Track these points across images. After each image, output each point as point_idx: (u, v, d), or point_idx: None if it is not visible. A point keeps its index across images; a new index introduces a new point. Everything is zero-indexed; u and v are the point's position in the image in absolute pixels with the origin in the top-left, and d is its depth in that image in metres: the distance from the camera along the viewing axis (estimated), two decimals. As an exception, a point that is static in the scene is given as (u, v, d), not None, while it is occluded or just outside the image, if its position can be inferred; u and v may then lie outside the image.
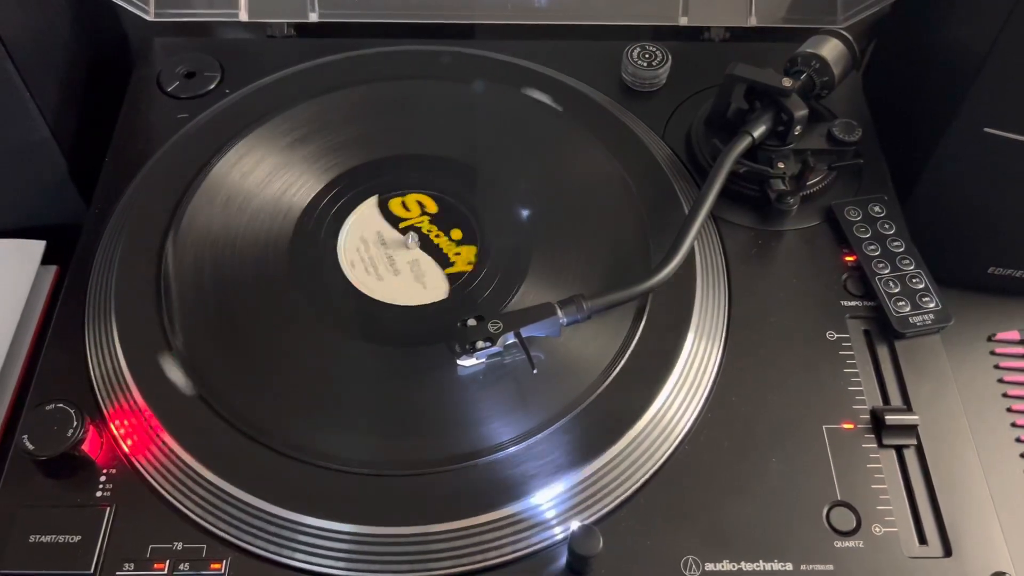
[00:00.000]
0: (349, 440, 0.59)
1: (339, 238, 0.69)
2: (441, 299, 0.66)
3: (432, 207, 0.71)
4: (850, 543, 0.57)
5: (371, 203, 0.71)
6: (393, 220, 0.70)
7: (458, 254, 0.68)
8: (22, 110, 0.71)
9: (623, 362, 0.62)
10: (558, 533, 0.56)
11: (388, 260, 0.68)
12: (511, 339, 0.60)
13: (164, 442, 0.58)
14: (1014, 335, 0.74)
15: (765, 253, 0.70)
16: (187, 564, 0.55)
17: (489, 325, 0.60)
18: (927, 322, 0.65)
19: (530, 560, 0.56)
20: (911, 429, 0.61)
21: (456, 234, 0.69)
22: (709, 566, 0.56)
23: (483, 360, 0.61)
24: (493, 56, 0.81)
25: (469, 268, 0.67)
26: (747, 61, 0.70)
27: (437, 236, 0.69)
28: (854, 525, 0.57)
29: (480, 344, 0.60)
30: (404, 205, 0.71)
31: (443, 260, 0.68)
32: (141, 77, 0.80)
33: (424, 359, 0.63)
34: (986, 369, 0.72)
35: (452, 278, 0.67)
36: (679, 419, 0.61)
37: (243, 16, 0.82)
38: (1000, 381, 0.72)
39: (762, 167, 0.70)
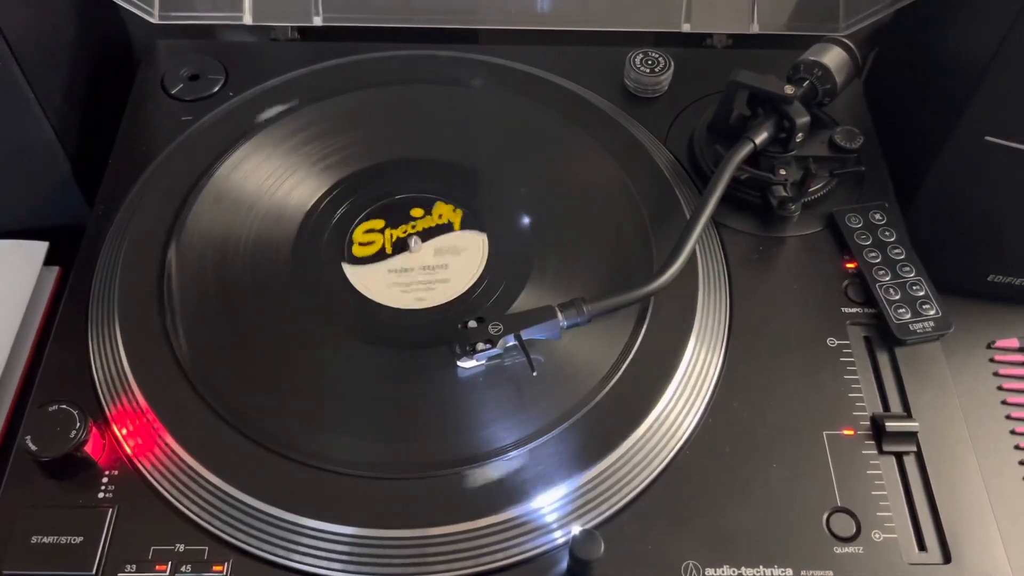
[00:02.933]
0: (351, 443, 0.59)
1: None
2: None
3: (446, 218, 0.71)
4: (850, 549, 0.57)
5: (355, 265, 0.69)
6: (387, 251, 0.69)
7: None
8: (26, 111, 0.71)
9: (624, 367, 0.62)
10: (559, 537, 0.57)
11: (426, 272, 0.68)
12: (511, 341, 0.61)
13: (166, 444, 0.59)
14: (1013, 343, 0.74)
15: (766, 259, 0.70)
16: (189, 566, 0.55)
17: (489, 327, 0.60)
18: (927, 329, 0.65)
19: (531, 564, 0.56)
20: (911, 436, 0.61)
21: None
22: (709, 571, 0.56)
23: (483, 362, 0.62)
24: (496, 61, 0.81)
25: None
26: (749, 68, 0.70)
27: (439, 216, 0.70)
28: (854, 531, 0.58)
29: (480, 346, 0.60)
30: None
31: (447, 227, 0.70)
32: (145, 79, 0.80)
33: (426, 362, 0.63)
34: (986, 376, 0.73)
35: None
36: (680, 424, 0.61)
37: (247, 19, 0.82)
38: (1000, 388, 0.72)
39: (764, 173, 0.70)
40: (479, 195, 0.72)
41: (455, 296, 0.66)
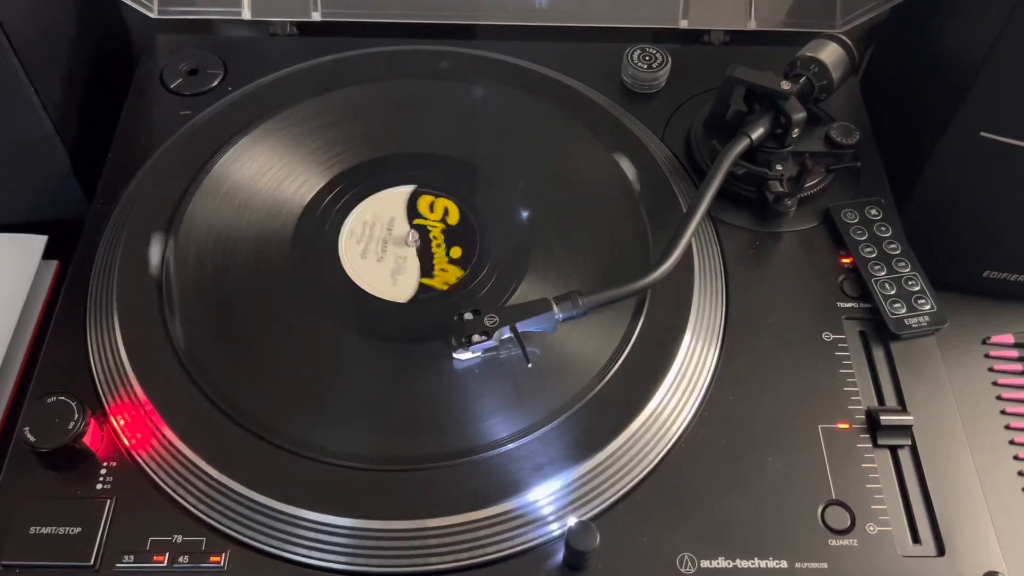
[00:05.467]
0: (348, 435, 0.59)
1: (343, 229, 0.70)
2: (398, 302, 0.66)
3: (454, 218, 0.71)
4: (844, 542, 0.57)
5: (405, 190, 0.71)
6: (412, 214, 0.71)
7: (444, 270, 0.68)
8: (26, 105, 0.71)
9: (621, 360, 0.62)
10: (555, 529, 0.57)
11: (381, 245, 0.69)
12: (507, 334, 0.61)
13: (164, 435, 0.59)
14: (1008, 338, 0.75)
15: (762, 254, 0.70)
16: (186, 557, 0.55)
17: (485, 319, 0.61)
18: (922, 324, 0.65)
19: (527, 556, 0.56)
20: (906, 429, 0.61)
21: (455, 252, 0.69)
22: (704, 563, 0.56)
23: (479, 353, 0.62)
24: (494, 57, 0.81)
25: (444, 288, 0.67)
26: (746, 64, 0.70)
27: (438, 246, 0.69)
28: (848, 524, 0.58)
29: (476, 338, 0.60)
30: (431, 206, 0.71)
31: (427, 269, 0.68)
32: (144, 74, 0.80)
33: (423, 355, 0.63)
34: (980, 371, 0.73)
35: (422, 288, 0.67)
36: (676, 417, 0.61)
37: (246, 14, 0.82)
38: (994, 384, 0.72)
39: (760, 169, 0.70)
40: (477, 188, 0.72)
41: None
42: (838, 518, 0.58)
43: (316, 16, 0.83)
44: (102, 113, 0.80)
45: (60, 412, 0.58)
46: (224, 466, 0.57)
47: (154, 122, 0.77)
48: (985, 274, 0.76)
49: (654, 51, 0.80)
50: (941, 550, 0.57)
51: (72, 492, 0.58)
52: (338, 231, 0.69)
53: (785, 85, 0.69)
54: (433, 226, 0.70)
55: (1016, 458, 0.69)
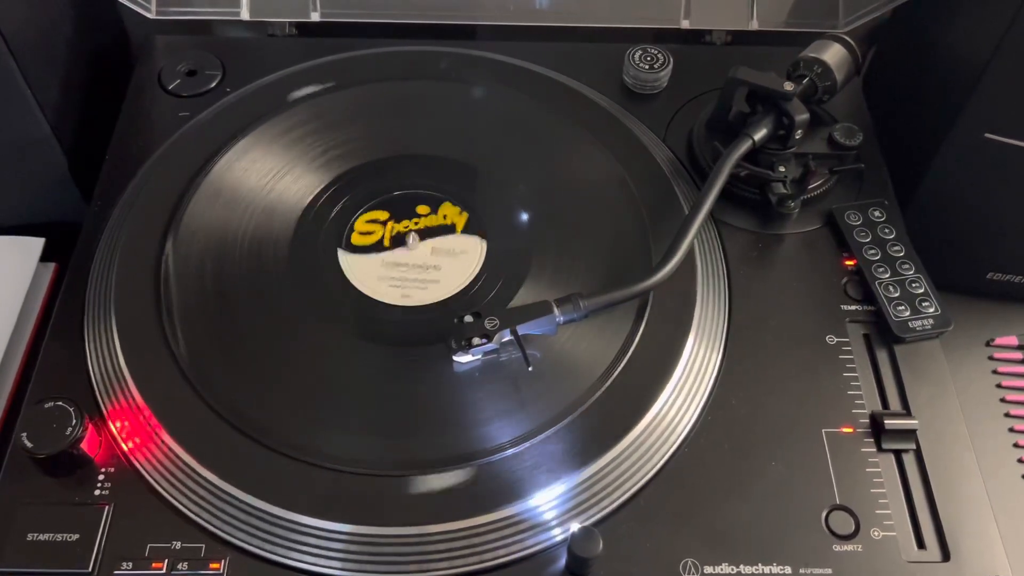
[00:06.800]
0: (348, 440, 0.59)
1: (343, 232, 0.69)
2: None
3: (454, 221, 0.71)
4: (849, 547, 0.57)
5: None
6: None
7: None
8: (23, 107, 0.71)
9: (623, 364, 0.62)
10: (558, 535, 0.56)
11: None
12: (508, 336, 0.61)
13: (163, 441, 0.58)
14: (1012, 340, 0.74)
15: (766, 256, 0.70)
16: (185, 563, 0.55)
17: (486, 322, 0.60)
18: (927, 327, 0.65)
19: (529, 562, 0.56)
20: (910, 433, 0.61)
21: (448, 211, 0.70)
22: (708, 568, 0.56)
23: (479, 357, 0.62)
24: (494, 57, 0.81)
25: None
26: (749, 65, 0.70)
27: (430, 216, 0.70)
28: (853, 529, 0.58)
29: (476, 340, 0.60)
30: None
31: (450, 229, 0.69)
32: (142, 75, 0.80)
33: (424, 359, 0.63)
34: (984, 374, 0.73)
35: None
36: (679, 421, 0.61)
37: (245, 15, 0.82)
38: (998, 386, 0.72)
39: (763, 170, 0.70)
40: (477, 191, 0.72)
41: (442, 298, 0.66)
42: (842, 523, 0.58)
43: (315, 16, 0.83)
44: (100, 114, 0.79)
45: (58, 417, 0.57)
46: (223, 471, 0.57)
47: (152, 123, 0.76)
48: (989, 276, 0.76)
49: (655, 51, 0.79)
50: (946, 555, 0.57)
51: (70, 498, 0.57)
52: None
53: (788, 86, 0.68)
54: (432, 220, 0.70)
55: (1020, 461, 0.68)
